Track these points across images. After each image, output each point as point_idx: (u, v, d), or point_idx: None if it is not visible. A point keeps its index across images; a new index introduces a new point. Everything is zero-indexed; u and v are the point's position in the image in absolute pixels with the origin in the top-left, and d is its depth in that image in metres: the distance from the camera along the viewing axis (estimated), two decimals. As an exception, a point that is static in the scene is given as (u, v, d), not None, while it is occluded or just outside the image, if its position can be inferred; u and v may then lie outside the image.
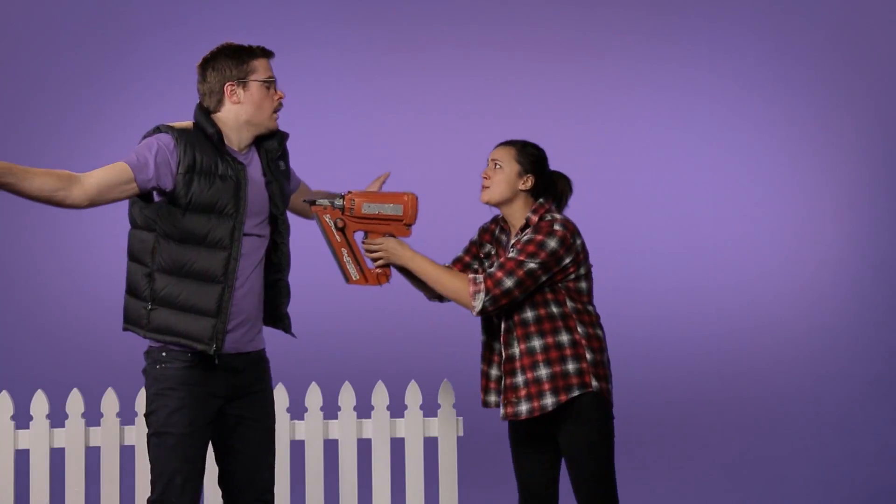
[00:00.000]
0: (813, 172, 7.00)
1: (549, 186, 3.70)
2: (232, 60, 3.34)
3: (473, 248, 3.78)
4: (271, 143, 3.45)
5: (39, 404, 4.30)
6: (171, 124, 3.32)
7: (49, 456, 4.29)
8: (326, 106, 7.08)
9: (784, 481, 6.11)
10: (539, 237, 3.50)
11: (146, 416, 3.27)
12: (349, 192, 3.57)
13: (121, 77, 7.02)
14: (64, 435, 4.31)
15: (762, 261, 6.95)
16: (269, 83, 3.38)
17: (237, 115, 3.34)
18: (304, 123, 7.06)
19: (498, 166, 3.63)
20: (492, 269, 3.50)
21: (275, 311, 3.51)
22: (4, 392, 4.32)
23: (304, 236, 6.29)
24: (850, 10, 7.00)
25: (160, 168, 3.19)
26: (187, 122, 3.36)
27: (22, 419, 4.50)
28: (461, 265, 3.76)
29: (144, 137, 3.28)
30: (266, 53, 3.41)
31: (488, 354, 3.71)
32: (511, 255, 3.50)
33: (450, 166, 6.86)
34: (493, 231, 3.77)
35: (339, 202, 3.55)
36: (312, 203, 3.56)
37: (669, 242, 6.97)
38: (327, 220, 3.55)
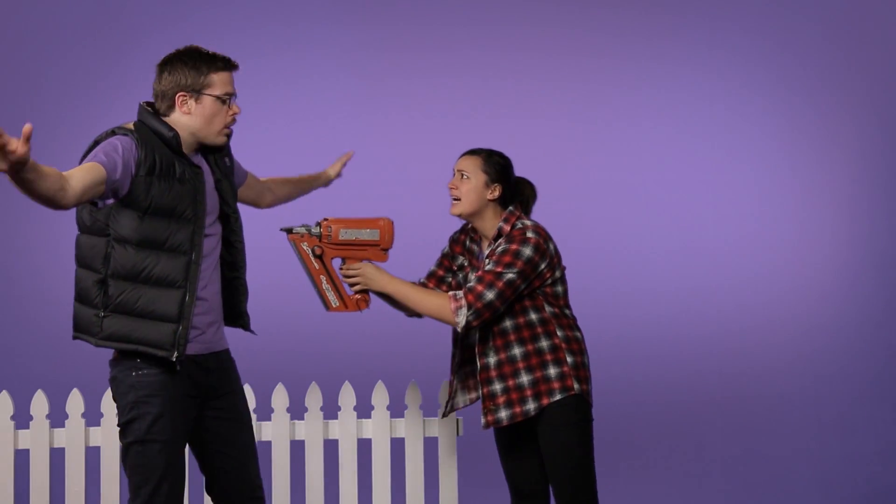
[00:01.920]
0: (813, 172, 7.00)
1: (514, 194, 3.71)
2: (190, 69, 3.21)
3: (445, 261, 3.79)
4: None
5: (39, 404, 4.30)
6: (125, 126, 3.21)
7: (49, 456, 4.29)
8: (326, 105, 7.08)
9: (784, 481, 6.11)
10: (514, 247, 3.50)
11: (125, 424, 3.20)
12: (325, 219, 3.56)
13: (121, 77, 7.02)
14: (64, 435, 4.31)
15: (762, 261, 6.95)
16: (225, 99, 3.25)
17: (185, 125, 3.23)
18: (303, 123, 7.06)
19: (465, 177, 3.63)
20: (471, 283, 3.51)
21: (234, 309, 3.44)
22: (4, 392, 4.32)
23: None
24: (850, 10, 7.00)
25: (124, 170, 3.07)
26: (131, 123, 3.24)
27: (22, 419, 4.50)
28: (435, 279, 3.78)
29: (97, 141, 3.17)
30: (229, 66, 3.26)
31: (454, 365, 3.76)
32: (488, 267, 3.51)
33: (448, 167, 6.85)
34: (464, 241, 3.77)
35: (315, 229, 3.53)
36: (289, 231, 3.53)
37: (669, 242, 6.97)
38: (305, 248, 3.53)
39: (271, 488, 4.40)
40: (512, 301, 3.53)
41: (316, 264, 3.54)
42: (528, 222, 3.59)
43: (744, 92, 7.05)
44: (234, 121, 3.30)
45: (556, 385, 3.51)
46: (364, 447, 4.46)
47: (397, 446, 4.40)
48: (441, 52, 7.13)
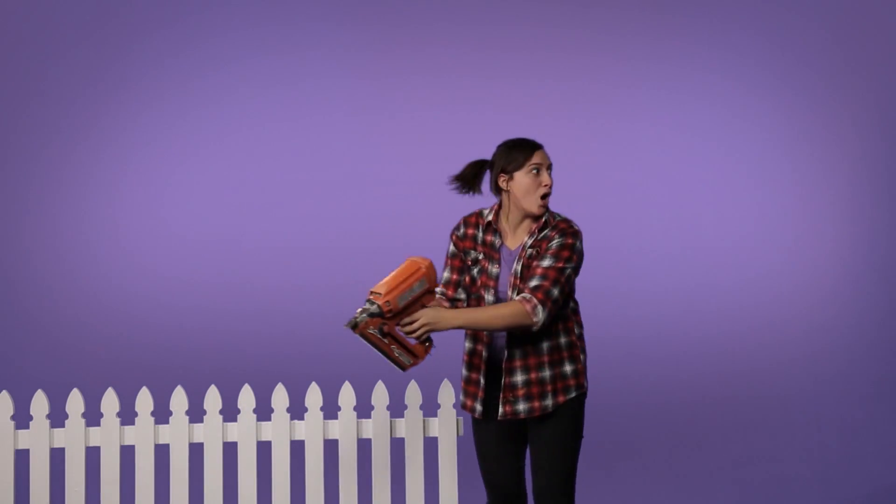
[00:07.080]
0: (813, 172, 7.00)
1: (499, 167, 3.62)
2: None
3: (456, 262, 3.74)
4: None
5: (39, 404, 4.30)
6: None
7: (49, 456, 4.29)
8: (327, 105, 7.07)
9: (784, 481, 6.11)
10: (569, 241, 3.54)
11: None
12: (374, 293, 3.48)
13: (121, 77, 7.02)
14: (64, 435, 4.31)
15: (762, 261, 6.95)
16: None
17: None
18: (304, 122, 7.06)
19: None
20: (535, 283, 3.49)
21: None
22: (4, 392, 4.32)
23: (303, 238, 6.29)
24: (850, 10, 7.00)
25: None
26: None
27: (22, 419, 4.50)
28: (453, 287, 3.74)
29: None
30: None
31: (477, 361, 3.69)
32: (547, 263, 3.51)
33: (450, 166, 6.86)
34: (474, 235, 3.72)
35: (374, 309, 3.45)
36: (354, 326, 3.43)
37: (670, 242, 6.97)
38: (372, 332, 3.47)
39: (271, 488, 4.40)
40: None
41: (386, 340, 3.51)
42: (560, 214, 3.67)
43: (744, 92, 7.05)
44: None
45: (571, 382, 3.58)
46: (364, 447, 4.45)
47: (397, 446, 4.39)
48: (441, 51, 7.13)
